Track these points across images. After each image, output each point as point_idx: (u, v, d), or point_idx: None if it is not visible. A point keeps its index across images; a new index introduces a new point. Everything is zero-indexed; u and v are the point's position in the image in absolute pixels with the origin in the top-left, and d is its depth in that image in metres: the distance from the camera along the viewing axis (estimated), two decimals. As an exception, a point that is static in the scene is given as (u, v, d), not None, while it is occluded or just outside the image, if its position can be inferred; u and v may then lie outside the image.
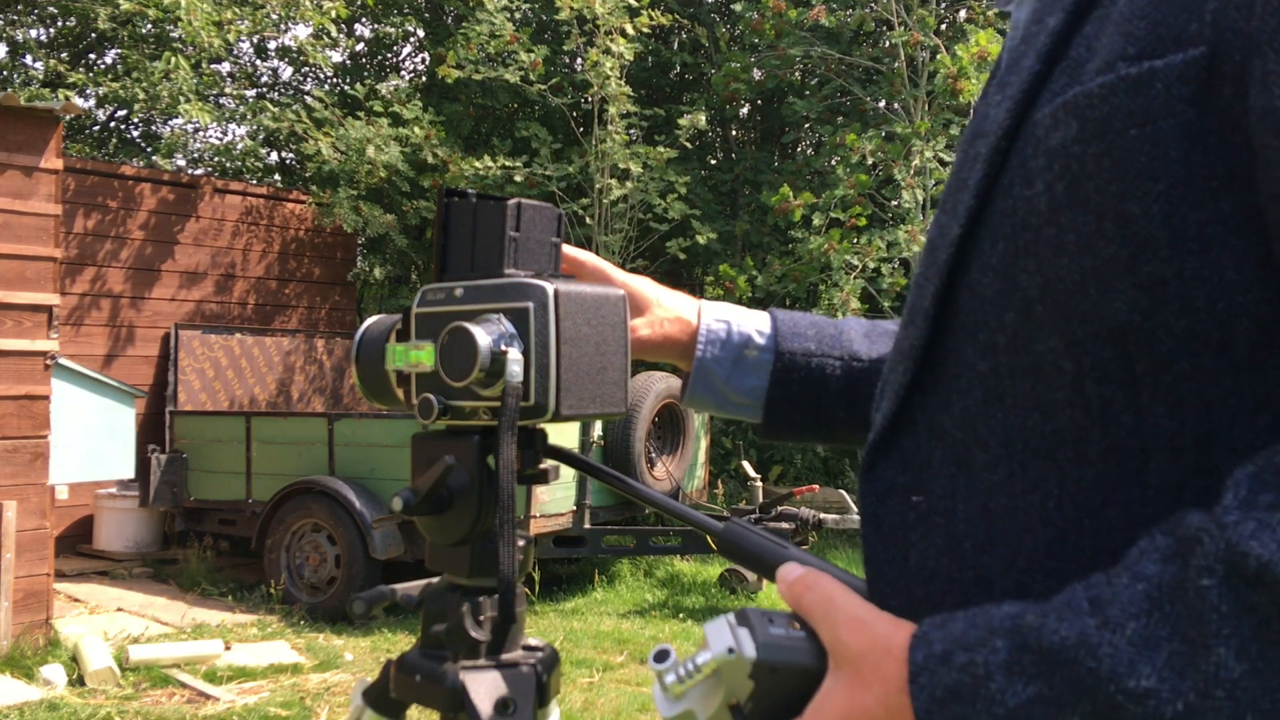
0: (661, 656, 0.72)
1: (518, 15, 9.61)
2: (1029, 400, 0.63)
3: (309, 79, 13.15)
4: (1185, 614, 0.52)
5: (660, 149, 8.68)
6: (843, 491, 7.34)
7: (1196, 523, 0.54)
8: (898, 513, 0.69)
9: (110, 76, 10.66)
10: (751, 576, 6.79)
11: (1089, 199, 0.60)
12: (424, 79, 12.01)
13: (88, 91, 11.48)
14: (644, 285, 1.11)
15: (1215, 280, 0.57)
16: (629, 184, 8.60)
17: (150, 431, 7.74)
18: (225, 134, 14.81)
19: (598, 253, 8.62)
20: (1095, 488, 0.61)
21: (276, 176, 12.91)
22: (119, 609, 6.27)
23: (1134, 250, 0.58)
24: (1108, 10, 0.63)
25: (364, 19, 12.39)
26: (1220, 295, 0.57)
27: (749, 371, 1.08)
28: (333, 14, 9.75)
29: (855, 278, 7.91)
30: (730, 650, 0.69)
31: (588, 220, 8.82)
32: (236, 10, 9.63)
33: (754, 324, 1.09)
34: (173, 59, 9.17)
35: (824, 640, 0.67)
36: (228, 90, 12.15)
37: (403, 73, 13.14)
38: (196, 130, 12.74)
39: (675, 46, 11.41)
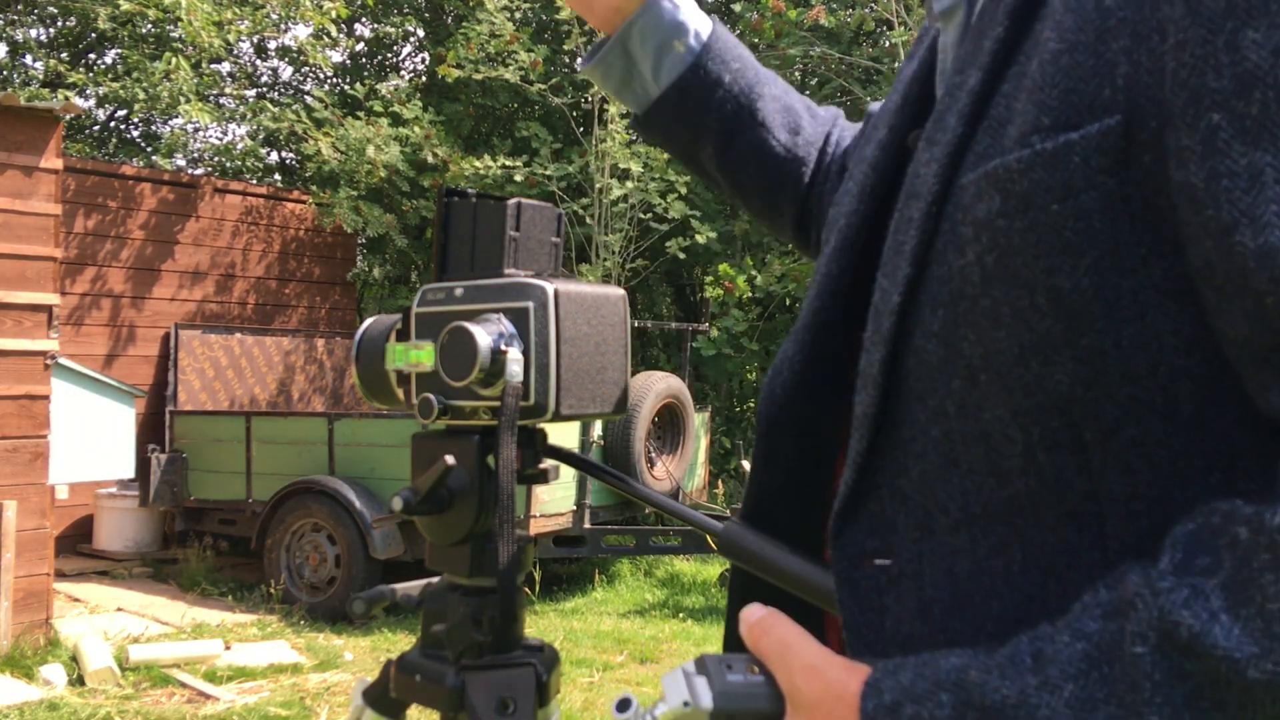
0: (623, 706, 0.73)
1: (518, 15, 9.61)
2: (983, 466, 0.63)
3: (309, 79, 13.15)
4: (1121, 677, 0.52)
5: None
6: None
7: (1133, 585, 0.54)
8: (871, 576, 0.69)
9: (110, 76, 10.66)
10: (751, 576, 6.78)
11: (1019, 273, 0.59)
12: (424, 79, 12.01)
13: (88, 91, 11.48)
14: None
15: (1154, 346, 0.57)
16: (629, 183, 8.60)
17: (150, 431, 7.74)
18: (225, 134, 14.82)
19: (598, 253, 8.64)
20: (1056, 552, 0.61)
21: (276, 176, 12.91)
22: (119, 609, 6.27)
23: (1068, 324, 0.58)
24: (1024, 68, 0.62)
25: (364, 19, 12.39)
26: (1160, 360, 0.57)
27: (664, 59, 1.05)
28: (333, 14, 9.75)
29: (855, 278, 7.89)
30: (685, 703, 0.71)
31: (588, 220, 8.82)
32: (236, 10, 9.63)
33: (697, 24, 1.05)
34: (173, 59, 9.17)
35: (781, 685, 0.67)
36: (228, 90, 12.15)
37: (403, 73, 13.14)
38: (196, 130, 12.74)
39: (675, 46, 11.39)
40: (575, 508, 6.50)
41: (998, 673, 0.56)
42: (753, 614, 0.70)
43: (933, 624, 0.64)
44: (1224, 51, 0.50)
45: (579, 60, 1.10)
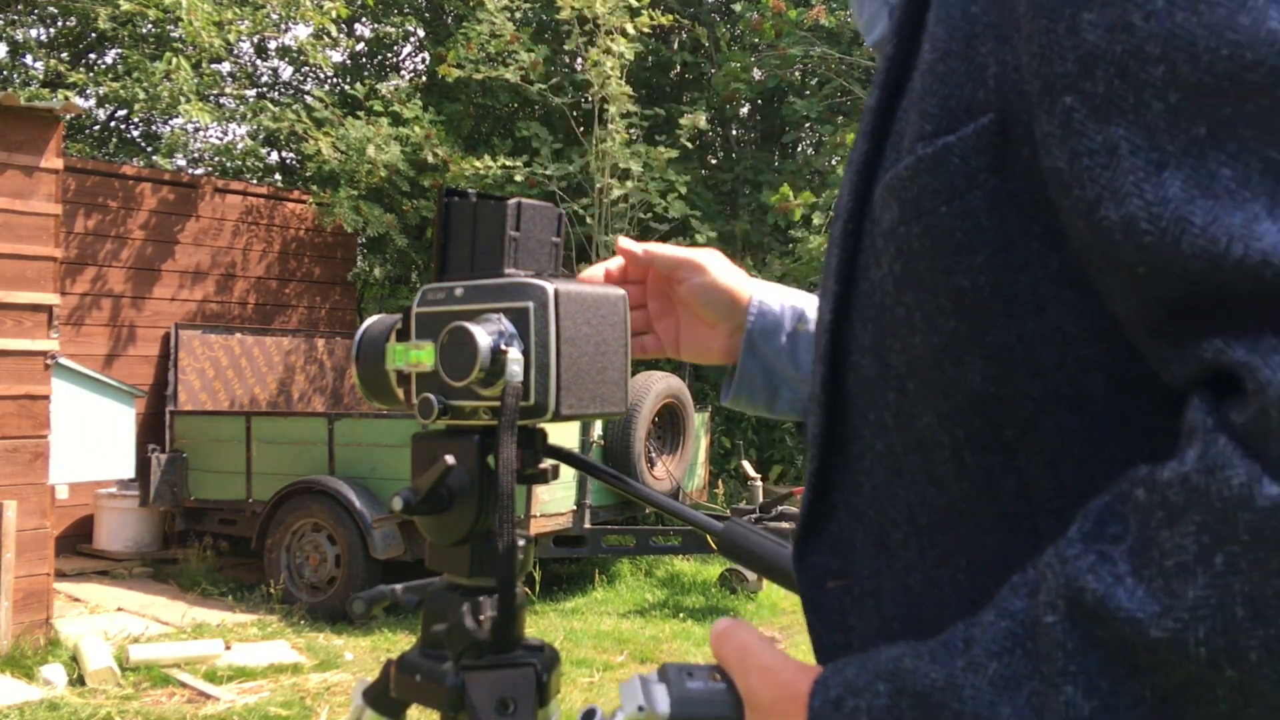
0: (588, 717, 0.75)
1: (518, 15, 9.61)
2: (922, 475, 0.63)
3: (309, 79, 13.15)
4: (1039, 651, 0.52)
5: (660, 149, 8.68)
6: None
7: (1045, 558, 0.54)
8: (834, 596, 0.70)
9: (110, 76, 10.66)
10: (751, 576, 6.80)
11: (923, 278, 0.60)
12: (424, 79, 12.01)
13: (88, 91, 11.48)
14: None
15: (1058, 338, 0.57)
16: (629, 183, 8.60)
17: (150, 431, 7.74)
18: (225, 134, 14.83)
19: (598, 253, 8.64)
20: (996, 555, 0.61)
21: (277, 176, 12.91)
22: (119, 609, 6.27)
23: (972, 322, 0.58)
24: (914, 82, 0.63)
25: (364, 19, 12.39)
26: (1066, 352, 0.57)
27: (805, 346, 1.02)
28: (333, 14, 9.75)
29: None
30: (640, 709, 0.72)
31: (588, 220, 8.82)
32: (237, 10, 9.64)
33: (804, 301, 1.04)
34: (173, 59, 9.17)
35: (739, 689, 0.68)
36: (228, 90, 12.15)
37: (403, 72, 13.15)
38: (197, 130, 12.75)
39: (675, 46, 11.40)
40: (575, 508, 6.50)
41: (929, 658, 0.56)
42: (719, 625, 0.72)
43: (893, 640, 0.64)
44: (1065, 36, 0.52)
45: (721, 394, 1.09)
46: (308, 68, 12.79)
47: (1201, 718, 0.47)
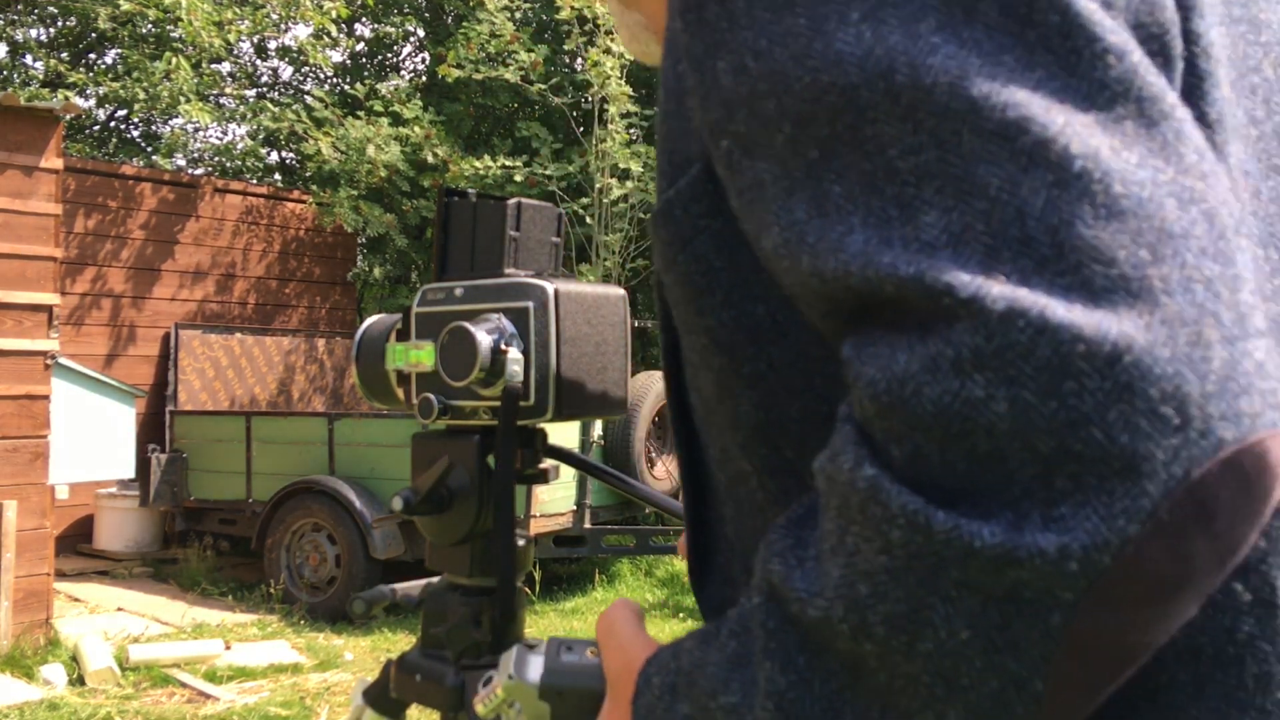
0: (486, 683, 0.80)
1: (518, 15, 9.60)
2: (748, 504, 0.66)
3: (309, 79, 13.15)
4: (752, 631, 0.54)
5: (660, 149, 8.67)
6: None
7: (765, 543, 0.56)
8: None
9: (110, 76, 10.66)
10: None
11: (687, 321, 0.64)
12: (424, 79, 12.00)
13: (88, 91, 11.49)
14: None
15: (802, 361, 0.59)
16: (629, 183, 8.59)
17: (150, 431, 7.74)
18: (225, 134, 14.83)
19: (598, 252, 8.64)
20: None
21: (277, 176, 12.91)
22: (119, 609, 6.27)
23: (730, 357, 0.61)
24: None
25: (364, 19, 12.39)
26: (812, 371, 0.59)
27: None
28: (333, 14, 9.75)
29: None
30: (510, 676, 0.78)
31: (588, 220, 8.82)
32: (236, 10, 9.64)
33: None
34: (173, 59, 9.17)
35: (604, 665, 0.70)
36: (228, 90, 12.15)
37: (403, 73, 13.14)
38: (196, 130, 12.75)
39: (675, 46, 11.39)
40: (575, 508, 6.50)
41: (699, 638, 0.58)
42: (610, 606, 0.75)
43: None
44: (711, 85, 0.55)
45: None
46: (308, 68, 12.79)
47: (874, 688, 0.49)
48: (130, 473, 6.20)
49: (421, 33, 12.17)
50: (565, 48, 9.19)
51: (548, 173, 8.76)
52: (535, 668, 0.77)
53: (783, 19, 0.51)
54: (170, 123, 12.88)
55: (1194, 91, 0.55)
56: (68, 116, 6.56)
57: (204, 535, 7.21)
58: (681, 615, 6.43)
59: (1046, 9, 0.49)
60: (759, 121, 0.52)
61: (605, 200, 8.66)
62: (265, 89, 13.24)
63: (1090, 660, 0.47)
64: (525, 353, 0.92)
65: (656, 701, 0.59)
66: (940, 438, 0.46)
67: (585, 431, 6.43)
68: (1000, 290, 0.45)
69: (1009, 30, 0.49)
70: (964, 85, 0.48)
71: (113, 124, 13.35)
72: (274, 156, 12.98)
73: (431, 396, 0.95)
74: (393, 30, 12.16)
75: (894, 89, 0.48)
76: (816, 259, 0.50)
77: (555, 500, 6.32)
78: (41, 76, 11.79)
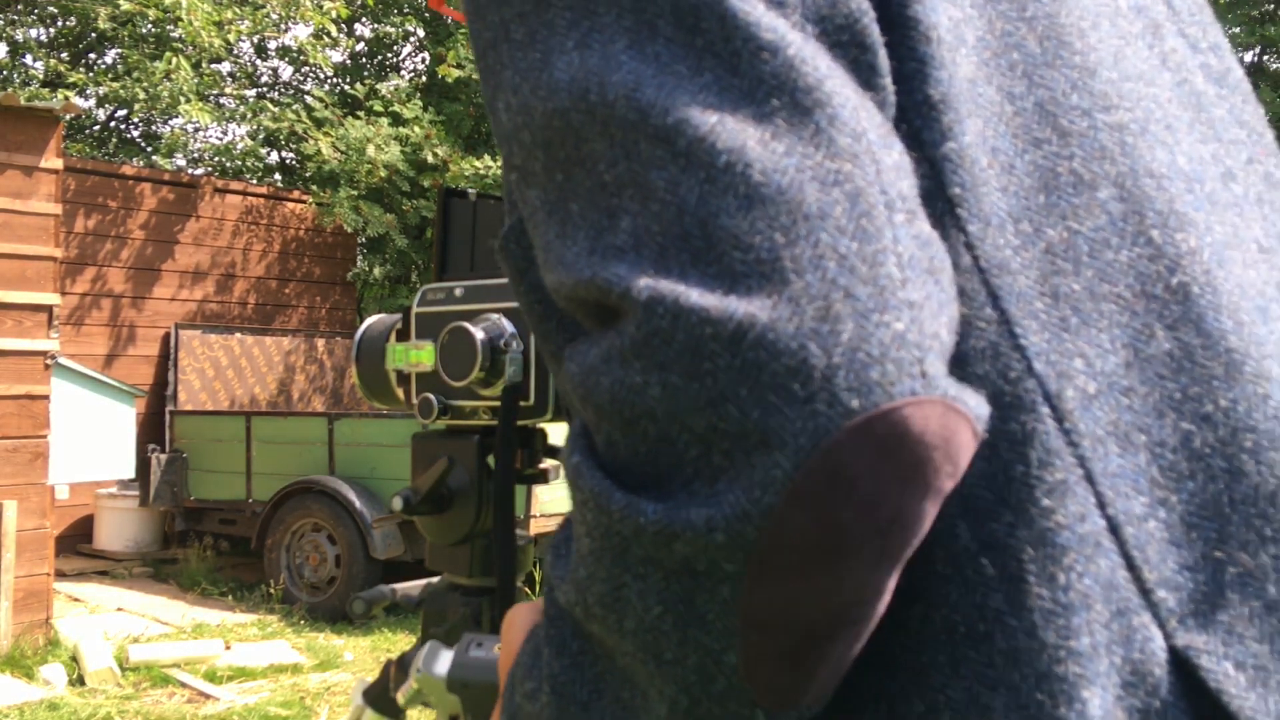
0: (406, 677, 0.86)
1: (518, 15, 9.59)
2: None
3: (309, 79, 13.16)
4: (549, 615, 0.58)
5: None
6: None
7: None
8: None
9: (110, 76, 10.66)
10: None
11: (541, 346, 0.66)
12: (424, 79, 12.01)
13: (88, 91, 11.49)
14: None
15: None
16: (629, 184, 8.60)
17: (150, 431, 7.74)
18: (225, 134, 14.82)
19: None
20: None
21: (277, 176, 12.91)
22: (119, 609, 6.27)
23: (542, 342, 0.64)
24: None
25: (364, 19, 12.39)
26: None
27: None
28: (333, 14, 9.75)
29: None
30: (418, 670, 0.83)
31: (588, 220, 8.83)
32: (236, 10, 9.64)
33: None
34: (173, 59, 9.17)
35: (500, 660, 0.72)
36: (228, 90, 12.15)
37: (403, 72, 13.14)
38: (196, 130, 12.75)
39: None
40: (575, 508, 6.50)
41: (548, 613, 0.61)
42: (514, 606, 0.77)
43: None
44: (495, 124, 0.58)
45: None
46: (308, 68, 12.80)
47: (620, 668, 0.52)
48: (130, 473, 6.20)
49: (421, 33, 12.17)
50: (565, 48, 9.18)
51: (548, 173, 8.76)
52: (444, 662, 0.82)
53: (527, 55, 0.55)
54: (170, 123, 12.89)
55: (913, 75, 0.56)
56: (68, 116, 6.56)
57: (204, 535, 7.21)
58: (681, 615, 6.43)
59: (708, 15, 0.51)
60: (525, 152, 0.55)
61: (605, 200, 8.66)
62: (265, 89, 13.25)
63: (773, 632, 0.48)
64: (525, 353, 0.92)
65: (507, 696, 0.61)
66: (620, 424, 0.49)
67: (585, 431, 6.43)
68: (647, 282, 0.48)
69: (681, 40, 0.52)
70: (636, 96, 0.51)
71: (113, 124, 13.36)
72: (274, 156, 12.98)
73: (431, 396, 0.95)
74: (392, 30, 12.16)
75: (591, 107, 0.52)
76: (552, 273, 0.53)
77: (555, 500, 6.32)
78: (41, 76, 11.79)
